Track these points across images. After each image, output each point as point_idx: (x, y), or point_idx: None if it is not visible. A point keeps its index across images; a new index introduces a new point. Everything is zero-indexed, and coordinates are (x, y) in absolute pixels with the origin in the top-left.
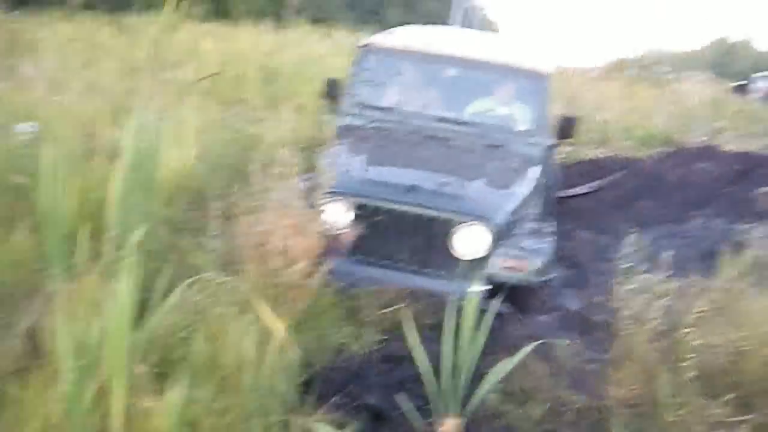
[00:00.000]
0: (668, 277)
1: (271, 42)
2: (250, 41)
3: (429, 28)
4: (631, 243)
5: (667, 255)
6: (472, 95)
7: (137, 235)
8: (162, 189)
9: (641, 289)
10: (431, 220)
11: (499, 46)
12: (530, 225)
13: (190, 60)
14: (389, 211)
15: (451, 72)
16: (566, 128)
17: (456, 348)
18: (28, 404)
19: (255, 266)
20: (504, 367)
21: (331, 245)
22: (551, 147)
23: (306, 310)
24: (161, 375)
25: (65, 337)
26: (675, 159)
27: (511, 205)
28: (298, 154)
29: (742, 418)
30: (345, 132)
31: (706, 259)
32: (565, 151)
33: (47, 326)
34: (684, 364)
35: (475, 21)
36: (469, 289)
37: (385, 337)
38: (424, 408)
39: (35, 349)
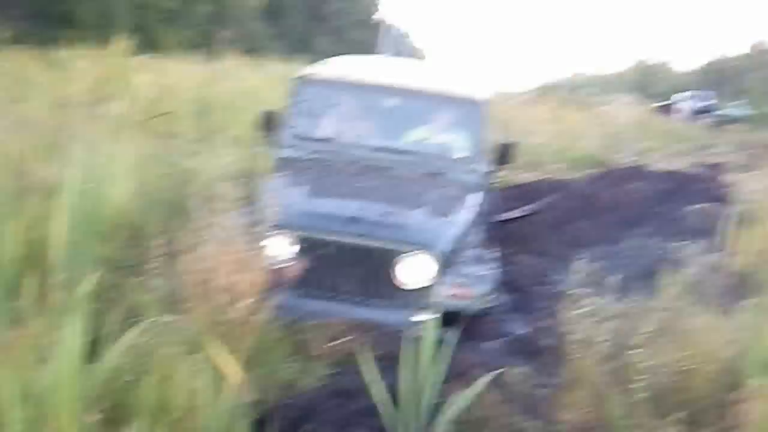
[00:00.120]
0: (611, 299)
1: (202, 74)
2: (181, 74)
3: (363, 57)
4: (577, 268)
5: (612, 278)
6: (410, 124)
7: (89, 282)
8: (101, 227)
9: (588, 312)
10: (375, 250)
11: (435, 75)
12: (473, 252)
13: (122, 94)
14: (332, 243)
15: (388, 101)
16: (504, 154)
17: (414, 379)
18: None
19: (200, 304)
20: (464, 397)
21: (275, 280)
22: (490, 173)
23: (254, 347)
24: (112, 421)
25: (11, 387)
26: (606, 180)
27: (453, 233)
28: (237, 187)
29: None
30: (283, 164)
31: (644, 279)
32: (499, 176)
33: None
34: (634, 385)
35: (402, 48)
36: (414, 319)
37: (335, 371)
38: None
39: None
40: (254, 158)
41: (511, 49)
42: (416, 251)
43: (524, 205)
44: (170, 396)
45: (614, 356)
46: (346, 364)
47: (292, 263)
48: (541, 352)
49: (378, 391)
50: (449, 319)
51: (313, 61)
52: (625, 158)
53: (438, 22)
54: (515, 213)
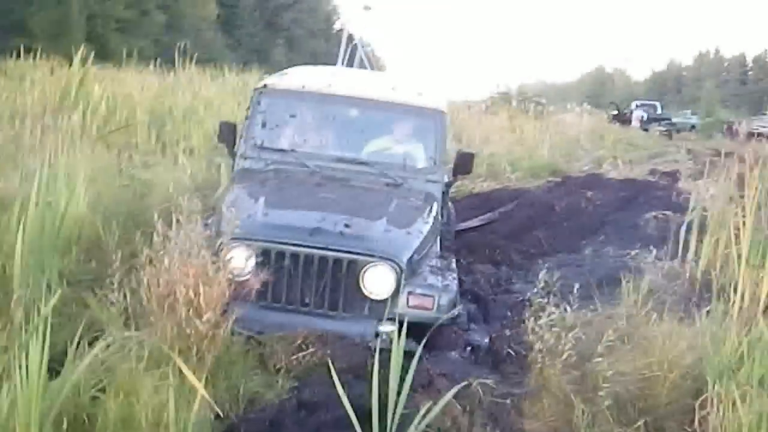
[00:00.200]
0: (574, 308)
1: (158, 85)
2: (137, 84)
3: (323, 68)
4: (539, 277)
5: (573, 287)
6: (369, 134)
7: (52, 301)
8: (60, 241)
9: (551, 322)
10: (337, 261)
11: (394, 85)
12: (433, 262)
13: (78, 105)
14: (294, 255)
15: (349, 112)
16: (463, 164)
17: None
18: None
19: (162, 318)
20: (433, 408)
21: (237, 292)
22: (449, 183)
23: (217, 361)
24: None
25: None
26: (563, 188)
27: (415, 244)
28: (196, 199)
29: None
30: (243, 176)
31: (603, 288)
32: (456, 185)
33: None
34: (600, 393)
35: (363, 58)
36: (378, 330)
37: (299, 384)
38: None
39: None
40: (213, 169)
41: (467, 58)
42: (379, 262)
43: (482, 214)
44: (134, 412)
45: (578, 365)
46: (310, 376)
47: (254, 275)
48: (503, 361)
49: (347, 403)
50: (412, 329)
51: (270, 71)
52: (580, 167)
53: (396, 32)
54: (473, 222)
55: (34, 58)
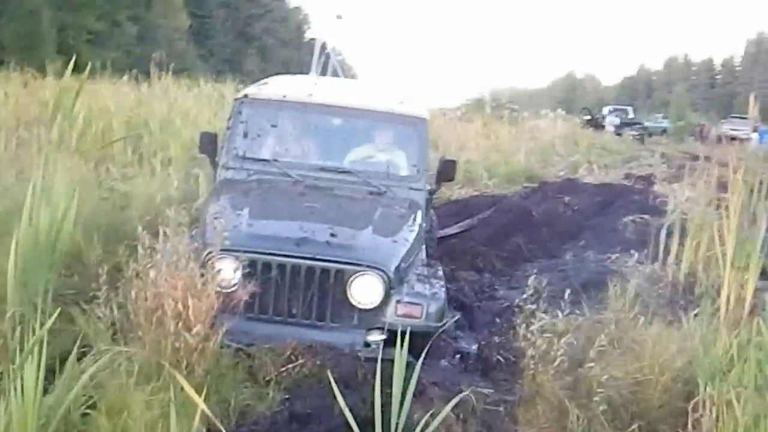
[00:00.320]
0: (563, 313)
1: (133, 96)
2: (111, 96)
3: (302, 77)
4: (528, 283)
5: (561, 292)
6: (352, 143)
7: (49, 322)
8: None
9: (542, 328)
10: (324, 271)
11: (375, 93)
12: (420, 270)
13: (53, 118)
14: (281, 266)
15: (330, 121)
16: (446, 171)
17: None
18: None
19: (150, 332)
20: (435, 420)
21: (225, 304)
22: (433, 191)
23: (206, 374)
24: None
25: None
26: (540, 194)
27: (402, 252)
28: (180, 211)
29: None
30: (226, 186)
31: (586, 292)
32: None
33: None
34: (595, 399)
35: (337, 67)
36: (366, 340)
37: (289, 396)
38: None
39: None
40: (193, 180)
41: (438, 66)
42: (367, 271)
43: (461, 221)
44: (127, 428)
45: (570, 371)
46: (301, 387)
47: (241, 287)
48: (494, 368)
49: (349, 415)
50: (400, 339)
51: (244, 81)
52: (556, 172)
53: (368, 41)
54: (452, 229)
55: (6, 70)
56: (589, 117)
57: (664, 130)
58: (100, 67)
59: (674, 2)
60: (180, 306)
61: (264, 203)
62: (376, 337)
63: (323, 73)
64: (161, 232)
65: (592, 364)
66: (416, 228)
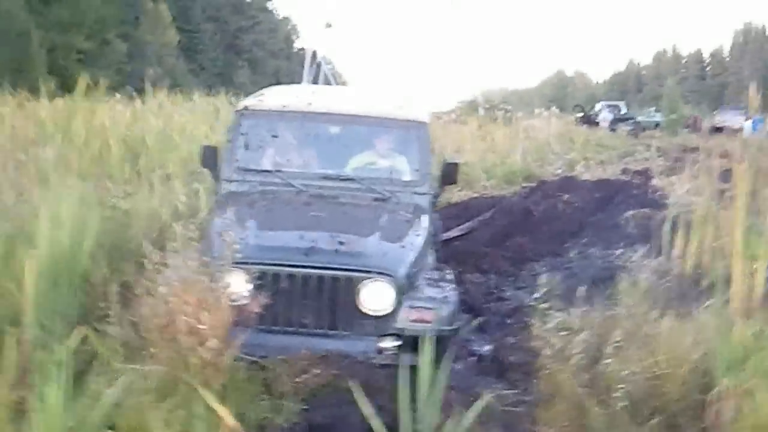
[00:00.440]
0: (576, 311)
1: (127, 114)
2: (106, 114)
3: (299, 86)
4: (540, 282)
5: (572, 290)
6: (354, 150)
7: (73, 340)
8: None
9: (558, 326)
10: (334, 280)
11: (374, 99)
12: (429, 274)
13: (49, 138)
14: (290, 276)
15: (331, 129)
16: (449, 174)
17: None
18: None
19: (164, 349)
20: (465, 420)
21: (237, 318)
22: (437, 194)
23: (223, 388)
24: None
25: None
26: (539, 193)
27: (411, 257)
28: (185, 226)
29: None
30: (230, 199)
31: (594, 289)
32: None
33: None
34: (611, 395)
35: (328, 75)
36: (380, 347)
37: (305, 407)
38: None
39: None
40: (193, 195)
41: (428, 70)
42: (377, 277)
43: (462, 223)
44: None
45: (588, 368)
46: (317, 398)
47: (251, 299)
48: (509, 369)
49: (375, 424)
50: (414, 344)
51: (237, 93)
52: (553, 170)
53: (357, 48)
54: (454, 232)
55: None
56: (581, 114)
57: (657, 124)
58: (92, 87)
59: None
60: (191, 322)
61: (270, 214)
62: (389, 343)
63: (315, 81)
64: (169, 247)
65: (609, 360)
66: (423, 232)
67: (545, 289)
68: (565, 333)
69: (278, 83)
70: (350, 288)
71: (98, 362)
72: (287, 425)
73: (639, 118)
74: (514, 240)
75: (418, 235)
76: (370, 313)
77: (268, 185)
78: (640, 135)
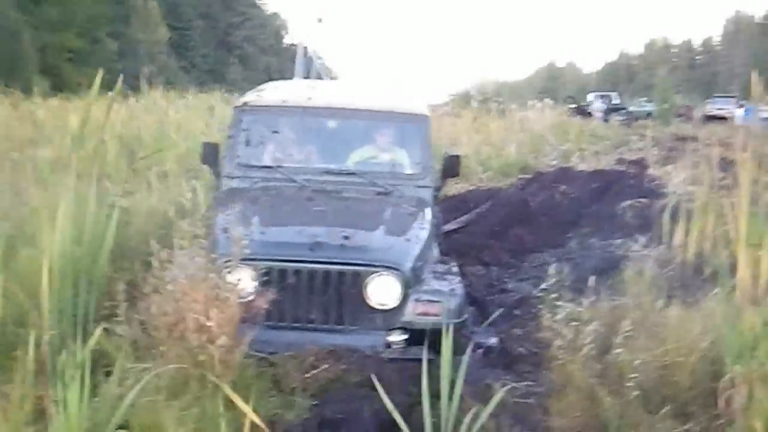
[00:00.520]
0: (584, 302)
1: (121, 111)
2: (100, 112)
3: (298, 81)
4: (549, 273)
5: (579, 281)
6: (355, 144)
7: (91, 343)
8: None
9: (567, 317)
10: (340, 274)
11: (374, 93)
12: (435, 267)
13: (44, 137)
14: (296, 272)
15: (333, 123)
16: (450, 166)
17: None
18: None
19: (173, 347)
20: (480, 417)
21: (245, 314)
22: (439, 187)
23: (233, 385)
24: None
25: None
26: (536, 184)
27: (416, 250)
28: (188, 223)
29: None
30: (232, 195)
31: (598, 279)
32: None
33: None
34: (628, 384)
35: (320, 70)
36: (386, 341)
37: (316, 402)
38: None
39: None
40: (193, 192)
41: (418, 64)
42: (383, 271)
43: (459, 216)
44: None
45: (598, 358)
46: (326, 393)
47: (259, 296)
48: (516, 361)
49: (400, 420)
50: (421, 337)
51: (230, 90)
52: (548, 161)
53: (347, 42)
54: (452, 225)
55: None
56: (574, 105)
57: (649, 114)
58: (84, 85)
59: None
60: (199, 319)
61: (273, 210)
62: (396, 337)
63: (306, 77)
64: (176, 244)
65: (620, 350)
66: (427, 225)
67: (553, 280)
68: (575, 324)
69: (270, 79)
70: (357, 282)
71: (108, 361)
72: (299, 421)
73: (631, 108)
74: (512, 232)
75: (422, 229)
76: (377, 307)
77: (269, 181)
78: (633, 125)
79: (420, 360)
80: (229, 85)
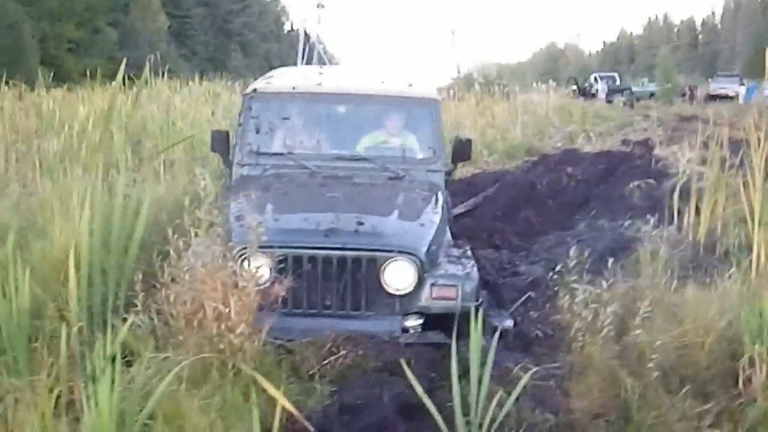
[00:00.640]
0: (601, 284)
1: (124, 101)
2: (103, 103)
3: (305, 68)
4: (571, 254)
5: (608, 262)
6: (365, 129)
7: (122, 333)
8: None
9: (585, 299)
10: (356, 260)
11: (383, 77)
12: (449, 251)
13: (50, 129)
14: (312, 258)
15: (342, 109)
16: (461, 150)
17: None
18: None
19: (192, 336)
20: (507, 397)
21: (262, 302)
22: (450, 171)
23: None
24: None
25: None
26: (542, 166)
27: (430, 235)
28: (201, 212)
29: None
30: (244, 183)
31: (609, 260)
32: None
33: None
34: (649, 365)
35: (323, 56)
36: (403, 325)
37: (336, 388)
38: None
39: None
40: (204, 180)
41: (418, 47)
42: (398, 256)
43: (467, 199)
44: None
45: (616, 339)
46: (345, 379)
47: (276, 283)
48: (533, 343)
49: (431, 406)
50: (435, 320)
51: (233, 77)
52: (555, 143)
53: (346, 27)
54: (460, 208)
55: None
56: (575, 86)
57: (651, 94)
58: (86, 75)
59: None
60: (218, 308)
61: (286, 197)
62: (413, 322)
63: (308, 62)
64: (185, 235)
65: (639, 331)
66: (440, 209)
67: (573, 262)
68: (594, 305)
69: (271, 66)
70: (372, 268)
71: (125, 351)
72: (319, 407)
73: (633, 89)
74: (520, 214)
75: (435, 213)
76: (393, 292)
77: (280, 168)
78: (636, 105)
79: (436, 344)
80: (233, 72)
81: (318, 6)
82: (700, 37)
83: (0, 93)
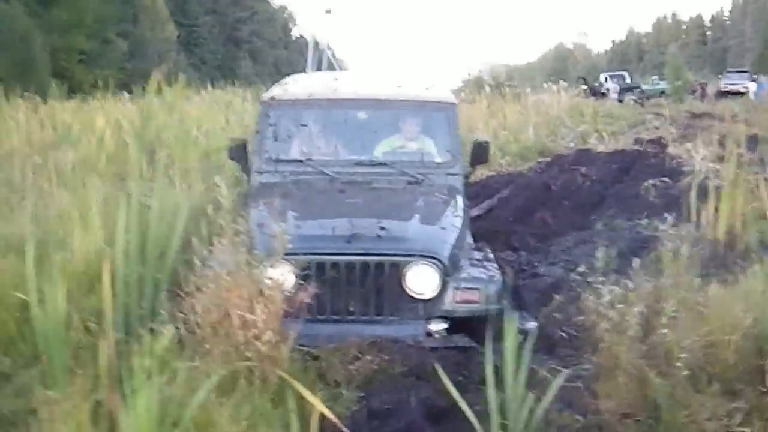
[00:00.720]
0: (626, 284)
1: (138, 111)
2: (117, 113)
3: (320, 74)
4: (598, 256)
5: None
6: (383, 134)
7: (165, 338)
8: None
9: (611, 300)
10: (378, 265)
11: (399, 82)
12: (470, 254)
13: (66, 140)
14: (334, 264)
15: (360, 114)
16: (479, 153)
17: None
18: None
19: (218, 344)
20: (541, 403)
21: (287, 310)
22: (468, 174)
23: (281, 380)
24: None
25: None
26: (555, 167)
27: (452, 238)
28: (222, 220)
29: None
30: (263, 191)
31: (630, 260)
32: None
33: None
34: (677, 364)
35: (331, 61)
36: (427, 330)
37: (363, 394)
38: None
39: None
40: (222, 189)
41: (427, 51)
42: (421, 260)
43: (482, 201)
44: None
45: (643, 339)
46: (372, 384)
47: (300, 290)
48: (556, 344)
49: (467, 409)
50: (460, 324)
51: (245, 85)
52: (568, 143)
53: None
54: (475, 210)
55: (7, 99)
56: (585, 86)
57: (662, 92)
58: (98, 86)
59: None
60: (244, 316)
61: (307, 204)
62: (437, 326)
63: (318, 68)
64: (208, 243)
65: (665, 330)
66: (460, 213)
67: (600, 263)
68: (621, 306)
69: (279, 73)
70: (395, 273)
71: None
72: (348, 413)
73: (644, 87)
74: (536, 216)
75: (456, 216)
76: (417, 296)
77: (299, 175)
78: (647, 104)
79: (461, 348)
80: (242, 79)
81: (326, 12)
82: (709, 33)
83: (15, 105)
